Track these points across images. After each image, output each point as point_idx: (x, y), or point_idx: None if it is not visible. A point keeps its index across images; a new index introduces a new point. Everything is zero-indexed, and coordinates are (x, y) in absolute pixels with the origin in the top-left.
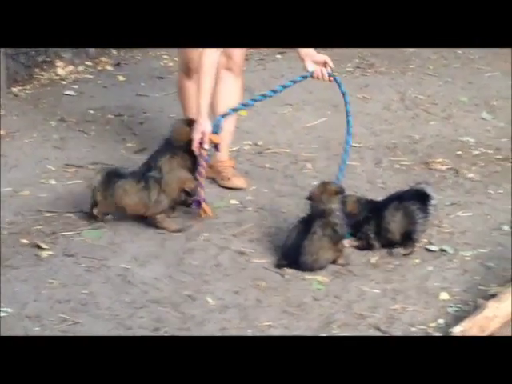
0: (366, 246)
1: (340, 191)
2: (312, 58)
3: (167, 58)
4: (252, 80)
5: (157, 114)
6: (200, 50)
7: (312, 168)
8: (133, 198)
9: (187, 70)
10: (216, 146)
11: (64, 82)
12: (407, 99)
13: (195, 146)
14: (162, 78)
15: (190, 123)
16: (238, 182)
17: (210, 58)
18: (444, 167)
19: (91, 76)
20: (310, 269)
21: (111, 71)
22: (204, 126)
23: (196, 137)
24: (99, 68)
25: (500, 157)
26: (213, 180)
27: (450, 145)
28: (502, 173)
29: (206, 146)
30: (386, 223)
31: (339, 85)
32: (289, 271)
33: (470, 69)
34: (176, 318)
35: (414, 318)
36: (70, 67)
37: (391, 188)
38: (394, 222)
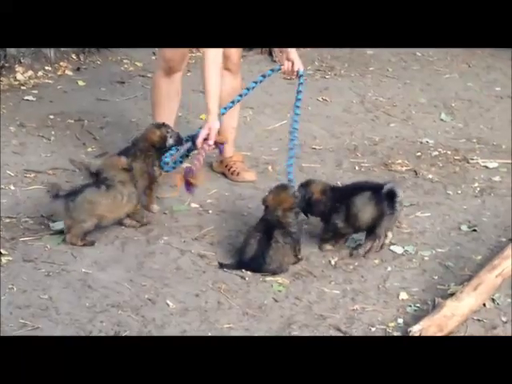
0: (333, 236)
1: (294, 202)
2: (288, 54)
3: (128, 62)
4: None
5: (117, 118)
6: (181, 50)
7: (273, 171)
8: (104, 204)
9: (167, 70)
10: (219, 147)
11: (23, 88)
12: (367, 101)
13: (199, 141)
14: (122, 82)
15: (161, 126)
16: (248, 175)
17: (213, 57)
18: (404, 168)
19: (51, 81)
20: (273, 274)
21: (71, 76)
22: (212, 123)
23: (203, 132)
24: (59, 73)
25: (458, 157)
26: (223, 175)
27: (409, 146)
28: (460, 173)
29: (211, 142)
30: (356, 211)
31: (300, 83)
32: (249, 273)
33: (429, 71)
34: (136, 322)
35: (374, 318)
36: (30, 72)
37: None
38: (365, 212)
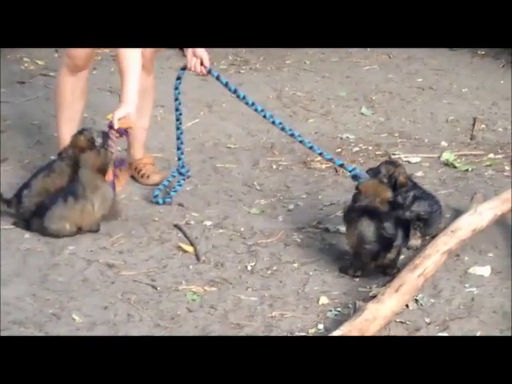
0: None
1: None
2: (194, 50)
3: (28, 61)
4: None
5: (18, 121)
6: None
7: None
8: (78, 215)
9: (73, 67)
10: (126, 131)
11: None
12: (284, 96)
13: (108, 125)
14: (22, 82)
15: (83, 131)
16: (158, 178)
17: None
18: (323, 166)
19: None
20: None
21: None
22: (126, 108)
23: (116, 116)
24: None
25: (380, 153)
26: (132, 178)
27: (329, 142)
28: None
29: (116, 126)
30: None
31: (218, 77)
32: (160, 283)
33: (348, 63)
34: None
35: (294, 325)
36: None
37: (268, 190)
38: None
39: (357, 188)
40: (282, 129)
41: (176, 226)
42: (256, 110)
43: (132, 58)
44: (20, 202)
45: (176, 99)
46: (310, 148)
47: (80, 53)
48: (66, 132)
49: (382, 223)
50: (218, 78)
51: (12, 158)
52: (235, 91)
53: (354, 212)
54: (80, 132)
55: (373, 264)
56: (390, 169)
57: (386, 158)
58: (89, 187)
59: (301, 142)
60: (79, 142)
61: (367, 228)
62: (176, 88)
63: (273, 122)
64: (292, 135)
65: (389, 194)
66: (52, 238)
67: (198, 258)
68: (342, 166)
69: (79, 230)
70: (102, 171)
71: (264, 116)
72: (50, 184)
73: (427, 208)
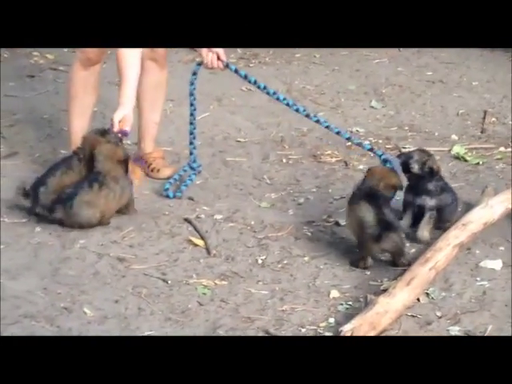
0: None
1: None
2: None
3: (37, 55)
4: None
5: (28, 115)
6: None
7: None
8: (103, 203)
9: (85, 61)
10: (125, 132)
11: None
12: (294, 90)
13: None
14: (32, 76)
15: (104, 132)
16: (169, 172)
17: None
18: (333, 159)
19: None
20: None
21: None
22: (124, 110)
23: (116, 118)
24: None
25: (390, 146)
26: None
27: (339, 136)
28: None
29: (115, 128)
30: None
31: (236, 71)
32: (171, 277)
33: (358, 56)
34: (51, 333)
35: (304, 319)
36: None
37: (278, 184)
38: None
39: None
40: (307, 116)
41: (186, 219)
42: (278, 98)
43: (130, 58)
44: (36, 198)
45: (191, 94)
46: (337, 133)
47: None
48: (77, 126)
49: (381, 208)
50: (236, 71)
51: (22, 151)
52: (255, 82)
53: (356, 197)
54: (101, 133)
55: (376, 248)
56: (423, 156)
57: (397, 152)
58: (109, 177)
59: (327, 127)
60: (95, 139)
61: (367, 213)
62: (191, 83)
63: (297, 110)
64: (318, 121)
65: (394, 180)
66: (63, 232)
67: (208, 251)
68: (371, 150)
69: (102, 219)
70: (122, 164)
71: (287, 104)
72: (67, 182)
73: (449, 200)
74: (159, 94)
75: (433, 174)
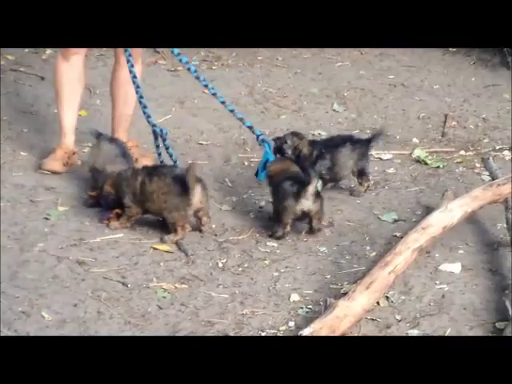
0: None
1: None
2: None
3: None
4: (93, 77)
5: None
6: None
7: None
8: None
9: (65, 51)
10: None
11: None
12: (256, 93)
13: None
14: None
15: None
16: (147, 161)
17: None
18: None
19: None
20: None
21: None
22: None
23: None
24: None
25: None
26: None
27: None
28: None
29: None
30: (338, 159)
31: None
32: (131, 280)
33: (321, 59)
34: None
35: (264, 322)
36: None
37: (240, 187)
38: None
39: (269, 175)
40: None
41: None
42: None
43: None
44: None
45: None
46: (223, 103)
47: None
48: (68, 119)
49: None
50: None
51: None
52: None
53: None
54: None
55: (295, 209)
56: (295, 141)
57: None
58: None
59: (222, 103)
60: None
61: (289, 187)
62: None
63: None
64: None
65: (295, 167)
66: (22, 235)
67: (186, 253)
68: (250, 128)
69: None
70: None
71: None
72: None
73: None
74: (131, 88)
75: (302, 156)
